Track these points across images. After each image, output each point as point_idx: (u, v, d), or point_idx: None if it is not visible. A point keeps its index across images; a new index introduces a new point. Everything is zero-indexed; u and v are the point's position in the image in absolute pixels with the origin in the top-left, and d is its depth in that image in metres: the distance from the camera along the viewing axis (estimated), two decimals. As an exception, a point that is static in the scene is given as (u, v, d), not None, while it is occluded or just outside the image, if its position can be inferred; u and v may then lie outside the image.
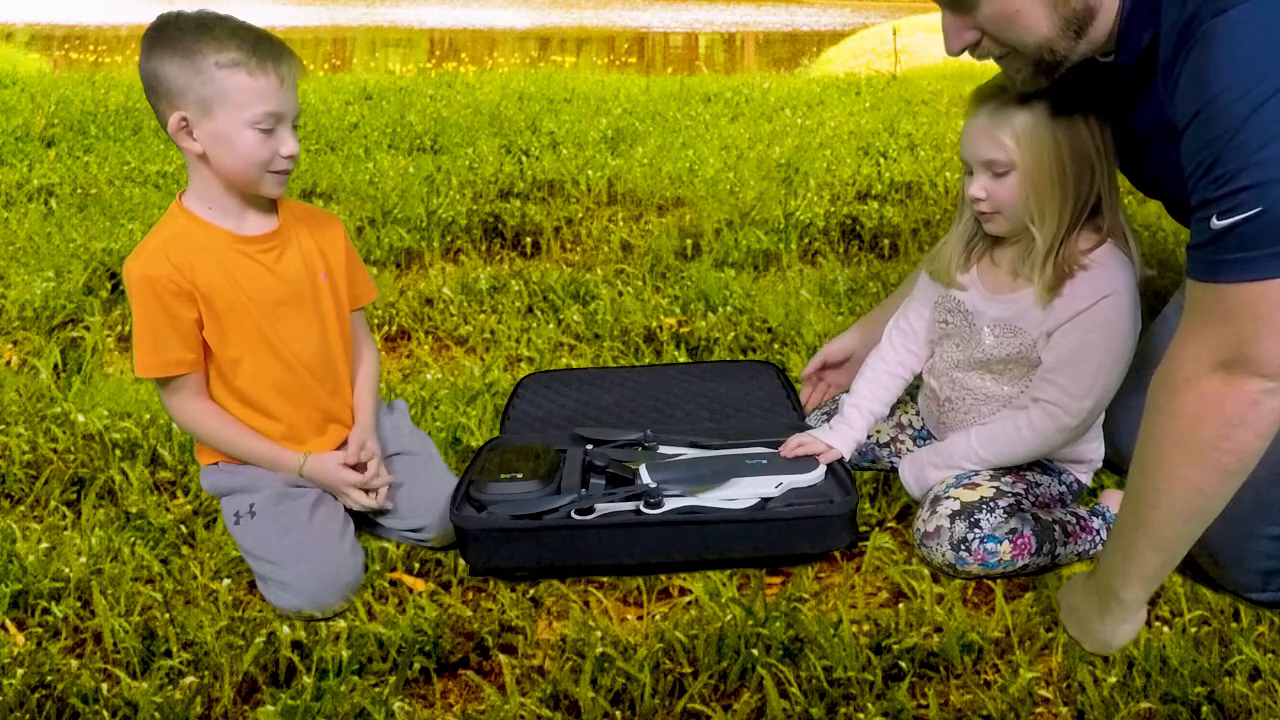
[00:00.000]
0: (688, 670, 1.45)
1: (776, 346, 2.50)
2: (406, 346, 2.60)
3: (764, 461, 1.67)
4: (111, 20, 14.87)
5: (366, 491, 1.65)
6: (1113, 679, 1.39)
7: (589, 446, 1.79)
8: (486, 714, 1.38)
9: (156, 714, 1.35)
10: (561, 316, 2.69)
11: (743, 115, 5.92)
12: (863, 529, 1.72)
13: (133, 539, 1.71)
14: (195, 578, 1.63)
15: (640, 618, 1.56)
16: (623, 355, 2.47)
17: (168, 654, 1.46)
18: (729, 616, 1.52)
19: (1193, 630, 1.48)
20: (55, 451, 1.99)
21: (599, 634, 1.48)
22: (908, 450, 1.83)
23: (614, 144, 4.96)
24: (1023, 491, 1.61)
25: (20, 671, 1.40)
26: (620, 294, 2.83)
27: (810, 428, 1.77)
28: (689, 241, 3.32)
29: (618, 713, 1.37)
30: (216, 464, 1.67)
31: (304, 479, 1.64)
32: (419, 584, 1.63)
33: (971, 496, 1.56)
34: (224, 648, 1.46)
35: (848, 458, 1.69)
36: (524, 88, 6.95)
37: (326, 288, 1.68)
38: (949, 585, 1.58)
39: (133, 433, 2.02)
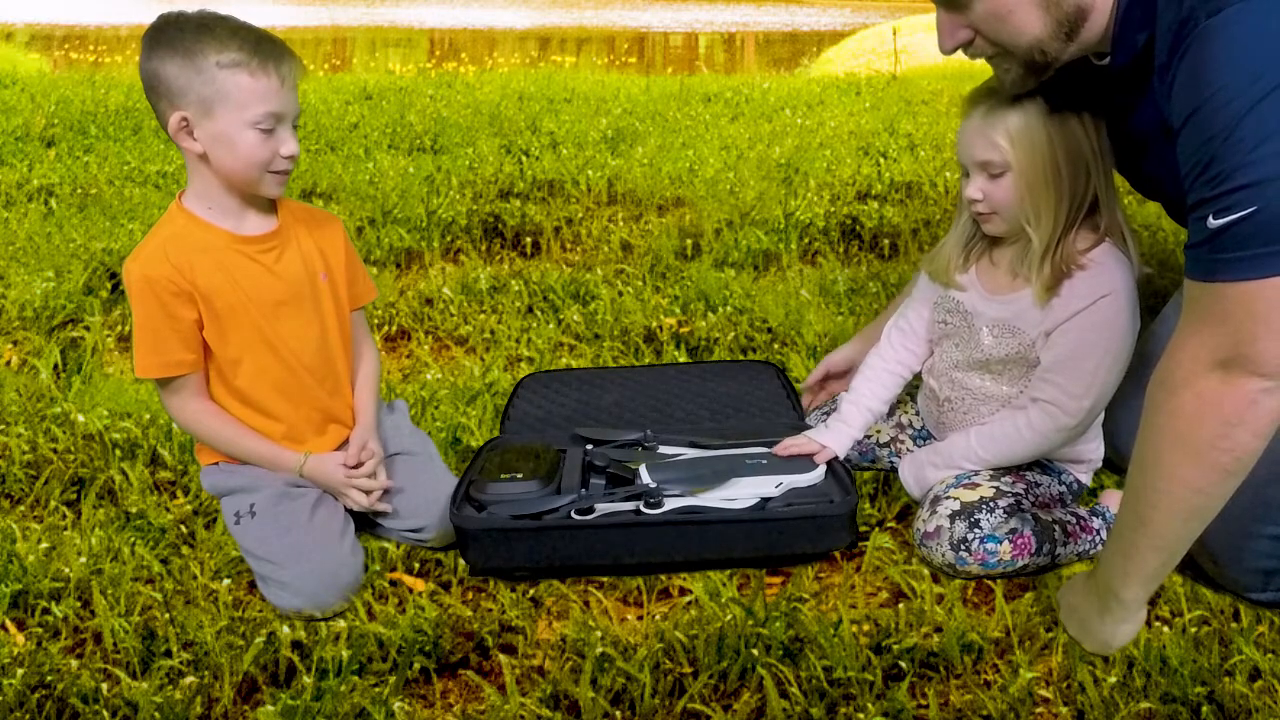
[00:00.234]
0: (688, 670, 1.45)
1: (776, 346, 2.50)
2: (406, 346, 2.60)
3: (764, 461, 1.67)
4: (111, 20, 14.88)
5: (367, 493, 1.65)
6: (1113, 679, 1.39)
7: (589, 446, 1.79)
8: (486, 714, 1.38)
9: (156, 714, 1.35)
10: (561, 316, 2.69)
11: (743, 115, 5.92)
12: (863, 529, 1.72)
13: (133, 539, 1.71)
14: (195, 578, 1.63)
15: (640, 618, 1.56)
16: (623, 355, 2.47)
17: (168, 654, 1.46)
18: (729, 616, 1.52)
19: (1193, 630, 1.48)
20: (55, 451, 1.99)
21: (599, 634, 1.48)
22: (908, 450, 1.83)
23: (614, 144, 4.96)
24: (1023, 491, 1.61)
25: (20, 671, 1.40)
26: (620, 294, 2.83)
27: (810, 428, 1.76)
28: (689, 241, 3.32)
29: (618, 713, 1.37)
30: (217, 464, 1.67)
31: (304, 479, 1.64)
32: (419, 584, 1.63)
33: (971, 496, 1.56)
34: (224, 648, 1.46)
35: (843, 456, 1.69)
36: (524, 88, 6.95)
37: (326, 288, 1.68)
38: (949, 585, 1.58)
39: (133, 433, 2.02)
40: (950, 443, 1.68)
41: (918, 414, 1.87)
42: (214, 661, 1.44)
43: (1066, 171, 1.51)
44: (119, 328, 2.61)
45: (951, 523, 1.54)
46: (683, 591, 1.61)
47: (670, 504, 1.57)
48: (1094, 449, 1.70)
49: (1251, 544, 1.42)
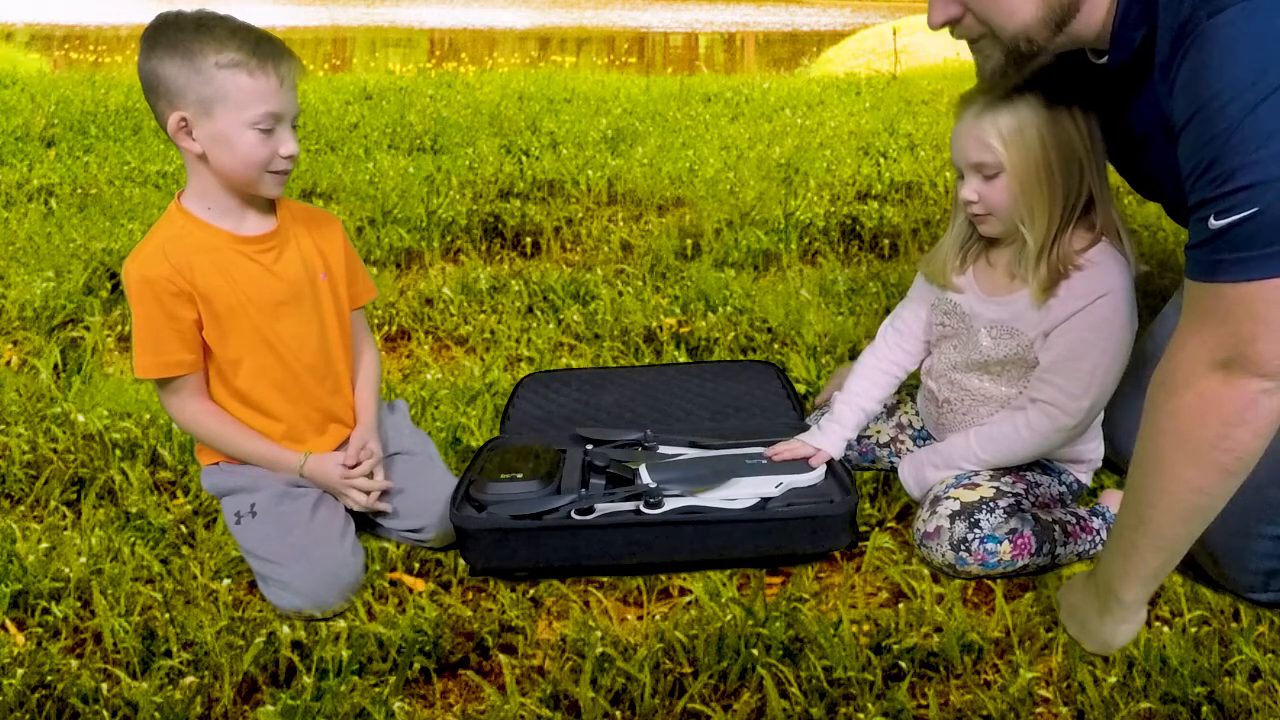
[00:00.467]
0: (688, 670, 1.45)
1: (776, 346, 2.50)
2: (406, 346, 2.60)
3: (764, 461, 1.67)
4: (111, 20, 14.87)
5: (366, 493, 1.65)
6: (1113, 679, 1.39)
7: (589, 446, 1.79)
8: (486, 714, 1.38)
9: (156, 714, 1.35)
10: (561, 316, 2.69)
11: (743, 115, 5.92)
12: (863, 529, 1.72)
13: (133, 539, 1.71)
14: (195, 578, 1.63)
15: (640, 618, 1.56)
16: (623, 355, 2.47)
17: (168, 654, 1.46)
18: (729, 616, 1.52)
19: (1193, 630, 1.48)
20: (55, 451, 1.99)
21: (599, 634, 1.48)
22: (908, 450, 1.83)
23: (614, 144, 4.96)
24: (1023, 491, 1.61)
25: (20, 671, 1.40)
26: (620, 294, 2.83)
27: (809, 428, 1.76)
28: (689, 241, 3.32)
29: (618, 713, 1.37)
30: (217, 464, 1.67)
31: (304, 479, 1.64)
32: (419, 584, 1.63)
33: (971, 497, 1.56)
34: (224, 648, 1.46)
35: (838, 457, 1.68)
36: (524, 88, 6.95)
37: (326, 287, 1.68)
38: (949, 585, 1.58)
39: (133, 433, 2.02)
40: (950, 443, 1.68)
41: (917, 414, 1.87)
42: (214, 661, 1.44)
43: (1059, 170, 1.51)
44: (119, 328, 2.61)
45: (951, 523, 1.54)
46: (683, 591, 1.61)
47: (670, 504, 1.57)
48: (1094, 449, 1.70)
49: (1252, 544, 1.42)
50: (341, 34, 15.80)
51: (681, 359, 2.41)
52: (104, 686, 1.40)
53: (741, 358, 2.44)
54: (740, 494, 1.59)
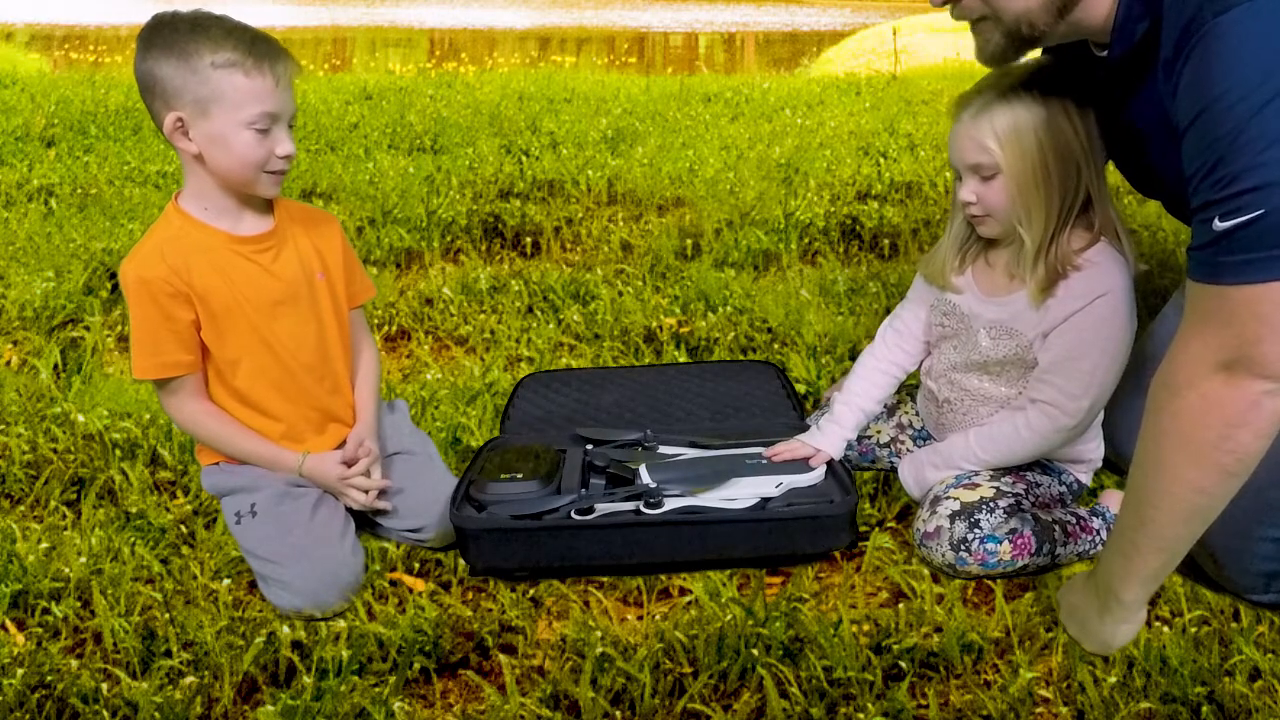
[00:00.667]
0: (688, 670, 1.45)
1: (776, 346, 2.50)
2: (406, 346, 2.60)
3: (764, 461, 1.67)
4: (111, 20, 14.87)
5: (365, 492, 1.64)
6: (1113, 679, 1.39)
7: (589, 446, 1.79)
8: (486, 714, 1.38)
9: (156, 714, 1.35)
10: (561, 316, 2.69)
11: (743, 115, 5.92)
12: (863, 529, 1.72)
13: (133, 539, 1.71)
14: (195, 578, 1.63)
15: (640, 618, 1.56)
16: (623, 355, 2.47)
17: (168, 654, 1.46)
18: (729, 616, 1.52)
19: (1193, 630, 1.48)
20: (55, 451, 1.99)
21: (599, 634, 1.48)
22: (908, 450, 1.83)
23: (614, 144, 4.96)
24: (1023, 492, 1.61)
25: (20, 671, 1.40)
26: (620, 294, 2.83)
27: (809, 428, 1.76)
28: (689, 241, 3.32)
29: (618, 713, 1.37)
30: (217, 464, 1.67)
31: (304, 478, 1.64)
32: (419, 584, 1.63)
33: (971, 497, 1.56)
34: (224, 648, 1.46)
35: (837, 457, 1.68)
36: (524, 88, 6.95)
37: (324, 287, 1.68)
38: (949, 585, 1.58)
39: (133, 433, 2.03)
40: (950, 443, 1.68)
41: (918, 414, 1.87)
42: (214, 661, 1.44)
43: (1056, 170, 1.51)
44: (119, 328, 2.61)
45: (951, 523, 1.54)
46: (683, 591, 1.61)
47: (670, 504, 1.57)
48: (1094, 449, 1.70)
49: (1253, 546, 1.42)
50: (341, 34, 15.80)
51: (681, 359, 2.41)
52: (104, 686, 1.40)
53: (741, 358, 2.44)
54: (740, 494, 1.59)
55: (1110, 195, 1.58)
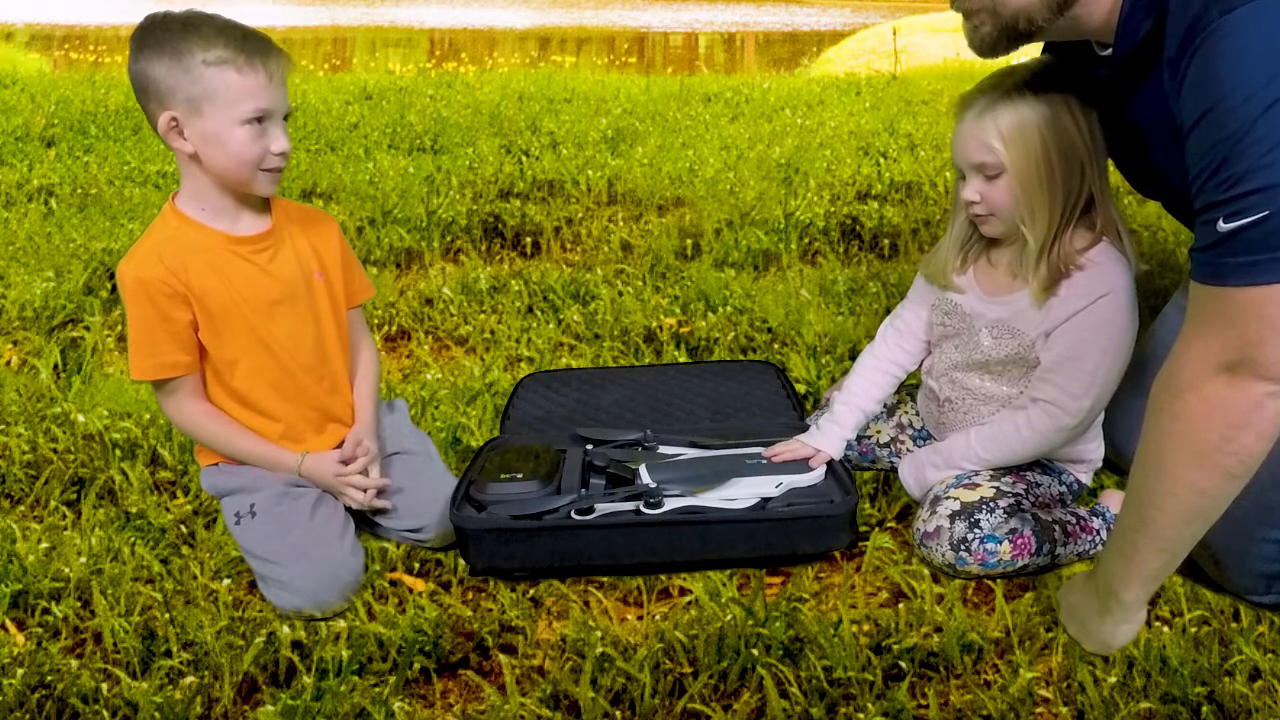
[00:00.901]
0: (688, 670, 1.45)
1: (776, 346, 2.50)
2: (406, 346, 2.60)
3: (764, 461, 1.67)
4: (111, 20, 14.87)
5: (364, 490, 1.64)
6: (1113, 679, 1.39)
7: (589, 446, 1.79)
8: (486, 714, 1.38)
9: (156, 714, 1.35)
10: (561, 316, 2.69)
11: (743, 115, 5.92)
12: (863, 529, 1.72)
13: (133, 539, 1.71)
14: (195, 578, 1.63)
15: (640, 618, 1.56)
16: (623, 355, 2.47)
17: (168, 654, 1.46)
18: (729, 616, 1.52)
19: (1193, 630, 1.48)
20: (55, 451, 1.99)
21: (599, 634, 1.48)
22: (908, 450, 1.83)
23: (614, 144, 4.96)
24: (1023, 491, 1.61)
25: (20, 671, 1.40)
26: (620, 294, 2.83)
27: (809, 428, 1.76)
28: (689, 241, 3.32)
29: (618, 713, 1.37)
30: (217, 464, 1.67)
31: (303, 478, 1.64)
32: (419, 584, 1.63)
33: (971, 497, 1.56)
34: (224, 648, 1.46)
35: (837, 458, 1.68)
36: (524, 88, 6.95)
37: (322, 286, 1.68)
38: (949, 585, 1.58)
39: (133, 433, 2.02)
40: (950, 443, 1.68)
41: (918, 414, 1.87)
42: (214, 661, 1.44)
43: (1060, 169, 1.51)
44: (119, 328, 2.61)
45: (951, 523, 1.54)
46: (683, 591, 1.61)
47: (670, 504, 1.57)
48: (1094, 449, 1.70)
49: (1254, 548, 1.42)
50: (341, 34, 15.80)
51: (681, 359, 2.41)
52: (104, 686, 1.40)
53: (741, 358, 2.44)
54: (740, 494, 1.59)
55: (1112, 195, 1.58)
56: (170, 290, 1.53)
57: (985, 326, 1.63)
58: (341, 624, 1.51)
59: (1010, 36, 1.37)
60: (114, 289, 2.85)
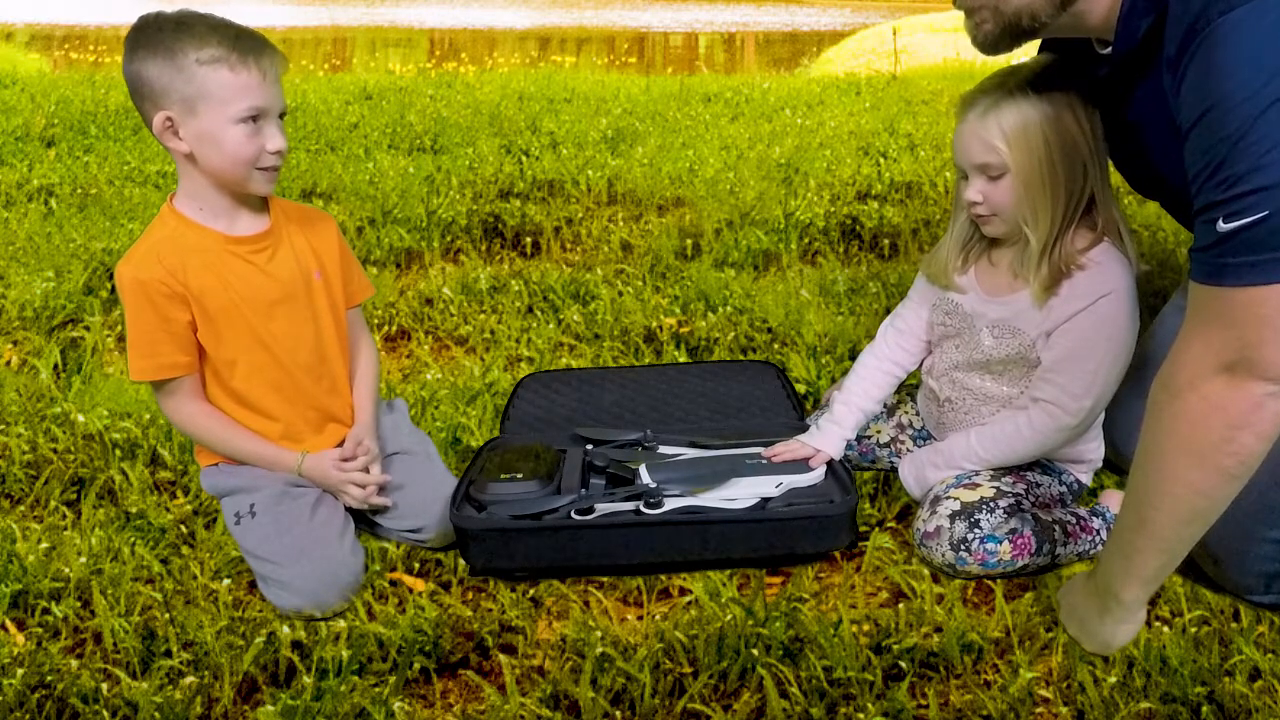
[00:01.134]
0: (688, 670, 1.45)
1: (776, 346, 2.50)
2: (406, 346, 2.60)
3: (764, 461, 1.67)
4: (111, 20, 14.86)
5: (363, 487, 1.64)
6: (1113, 679, 1.39)
7: (589, 446, 1.79)
8: (486, 714, 1.38)
9: (156, 714, 1.35)
10: (561, 316, 2.69)
11: (743, 115, 5.92)
12: (863, 529, 1.72)
13: (133, 539, 1.71)
14: (195, 578, 1.63)
15: (640, 618, 1.56)
16: (623, 355, 2.47)
17: (168, 654, 1.46)
18: (729, 616, 1.52)
19: (1193, 630, 1.48)
20: (55, 451, 1.99)
21: (599, 634, 1.48)
22: (908, 450, 1.83)
23: (614, 144, 4.96)
24: (1023, 492, 1.61)
25: (20, 671, 1.40)
26: (620, 294, 2.83)
27: (809, 428, 1.76)
28: (689, 241, 3.32)
29: (618, 713, 1.37)
30: (216, 465, 1.67)
31: (303, 478, 1.64)
32: (419, 584, 1.63)
33: (971, 497, 1.56)
34: (224, 648, 1.46)
35: (837, 458, 1.68)
36: (524, 88, 6.95)
37: (320, 286, 1.67)
38: (949, 585, 1.58)
39: (133, 433, 2.02)
40: (951, 443, 1.68)
41: (918, 414, 1.87)
42: (214, 661, 1.44)
43: (1063, 170, 1.51)
44: (119, 328, 2.60)
45: (951, 523, 1.54)
46: (683, 591, 1.61)
47: (670, 504, 1.57)
48: (1094, 449, 1.70)
49: (1253, 547, 1.42)
50: (341, 34, 15.80)
51: (681, 359, 2.41)
52: (104, 686, 1.40)
53: (741, 358, 2.44)
54: (740, 494, 1.59)
55: (1112, 195, 1.58)
56: (168, 291, 1.53)
57: (986, 326, 1.63)
58: (341, 624, 1.51)
59: (1013, 33, 1.37)
60: (114, 289, 2.85)
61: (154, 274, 1.53)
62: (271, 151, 1.54)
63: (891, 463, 1.86)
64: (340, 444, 1.69)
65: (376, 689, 1.40)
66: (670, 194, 3.98)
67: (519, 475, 1.62)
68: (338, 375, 1.71)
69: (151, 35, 1.49)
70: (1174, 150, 1.21)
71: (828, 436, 1.69)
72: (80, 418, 2.06)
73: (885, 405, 1.84)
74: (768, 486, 1.60)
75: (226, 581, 1.60)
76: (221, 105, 1.49)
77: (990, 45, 1.40)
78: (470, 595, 1.62)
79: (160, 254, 1.54)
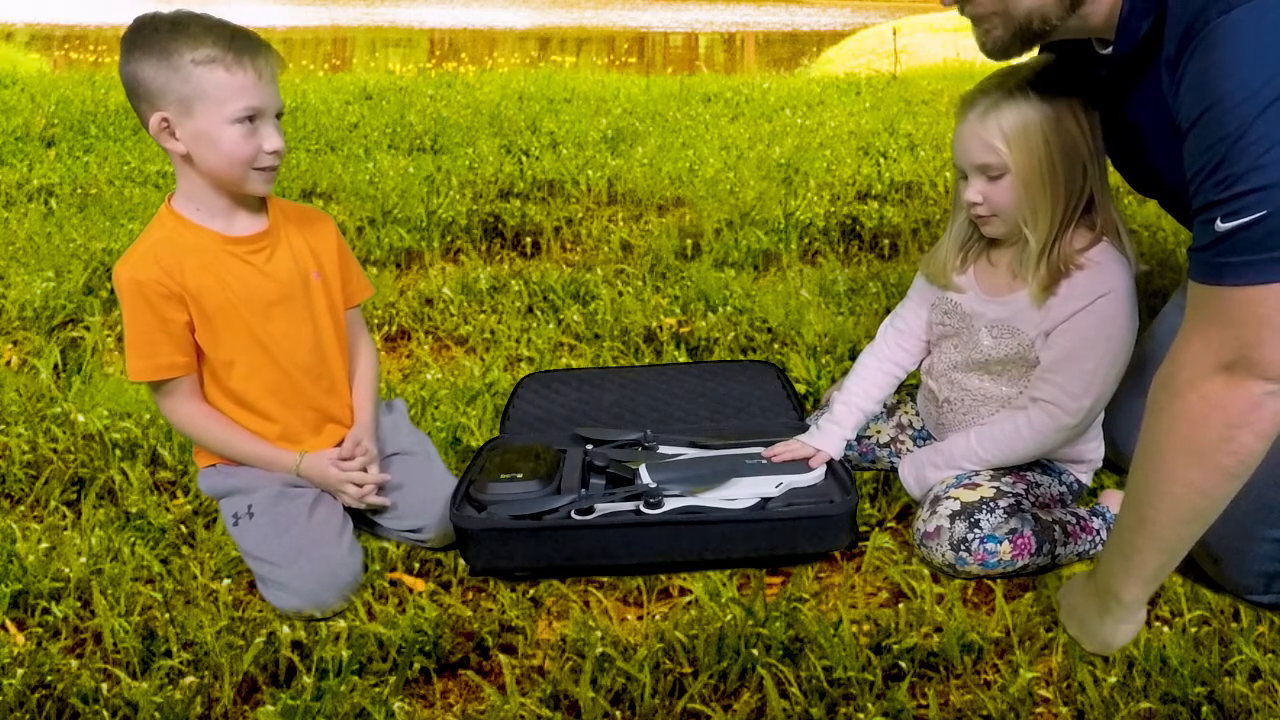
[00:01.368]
0: (688, 670, 1.45)
1: (776, 346, 2.50)
2: (406, 346, 2.60)
3: (764, 461, 1.67)
4: (111, 20, 14.86)
5: (361, 487, 1.64)
6: (1113, 679, 1.39)
7: (589, 446, 1.79)
8: (486, 714, 1.38)
9: (156, 714, 1.35)
10: (561, 316, 2.69)
11: (743, 115, 5.92)
12: (863, 529, 1.72)
13: (133, 539, 1.71)
14: (195, 578, 1.63)
15: (640, 618, 1.56)
16: (623, 355, 2.47)
17: (168, 654, 1.46)
18: (729, 616, 1.52)
19: (1193, 630, 1.48)
20: (55, 451, 1.99)
21: (599, 634, 1.48)
22: (908, 450, 1.83)
23: (614, 144, 4.96)
24: (1023, 491, 1.61)
25: (20, 671, 1.40)
26: (620, 294, 2.83)
27: (809, 428, 1.76)
28: (689, 241, 3.32)
29: (618, 713, 1.37)
30: (214, 465, 1.66)
31: (301, 478, 1.64)
32: (419, 584, 1.63)
33: (971, 497, 1.56)
34: (224, 648, 1.46)
35: (837, 458, 1.68)
36: (524, 88, 6.95)
37: (319, 286, 1.67)
38: (949, 585, 1.58)
39: (133, 433, 2.02)
40: (950, 443, 1.68)
41: (918, 414, 1.87)
42: (214, 661, 1.44)
43: (1063, 170, 1.51)
44: (119, 328, 2.60)
45: (951, 523, 1.54)
46: (683, 591, 1.61)
47: (670, 504, 1.57)
48: (1094, 449, 1.70)
49: (1253, 547, 1.42)
50: (341, 34, 15.80)
51: (681, 359, 2.41)
52: (104, 686, 1.40)
53: (741, 358, 2.44)
54: (740, 494, 1.59)
55: (1112, 195, 1.58)
56: (166, 291, 1.53)
57: (985, 326, 1.63)
58: (341, 624, 1.51)
59: (1024, 38, 1.37)
60: (114, 289, 2.85)
61: (151, 274, 1.53)
62: (268, 151, 1.54)
63: (891, 463, 1.86)
64: (339, 444, 1.69)
65: (376, 689, 1.40)
66: (670, 194, 3.98)
67: (519, 475, 1.62)
68: (336, 376, 1.71)
69: (147, 36, 1.49)
70: (1173, 150, 1.21)
71: (828, 436, 1.69)
72: (80, 418, 2.06)
73: (885, 405, 1.84)
74: (768, 486, 1.60)
75: (226, 581, 1.60)
76: (217, 105, 1.48)
77: (1000, 51, 1.40)
78: (470, 595, 1.62)
79: (158, 254, 1.54)
